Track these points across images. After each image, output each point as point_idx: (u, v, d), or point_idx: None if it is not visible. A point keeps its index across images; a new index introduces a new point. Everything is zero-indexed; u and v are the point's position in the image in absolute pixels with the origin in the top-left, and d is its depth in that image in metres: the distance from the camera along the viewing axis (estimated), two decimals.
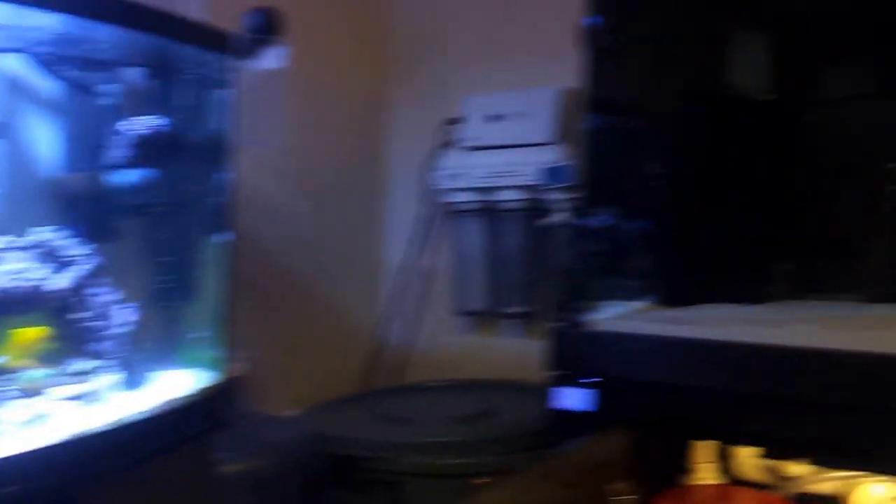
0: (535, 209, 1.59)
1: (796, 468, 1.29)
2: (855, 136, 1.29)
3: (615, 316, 1.21)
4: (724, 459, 1.38)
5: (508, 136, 1.62)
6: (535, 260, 1.62)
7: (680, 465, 1.40)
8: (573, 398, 1.07)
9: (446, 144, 1.75)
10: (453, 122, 1.75)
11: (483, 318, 1.76)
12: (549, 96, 1.58)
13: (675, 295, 1.32)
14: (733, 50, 1.41)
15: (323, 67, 1.74)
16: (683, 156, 1.44)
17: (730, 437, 1.15)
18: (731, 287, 1.30)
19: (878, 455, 0.95)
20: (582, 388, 1.06)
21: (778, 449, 1.16)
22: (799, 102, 1.35)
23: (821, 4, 1.31)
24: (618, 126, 1.46)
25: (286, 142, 1.62)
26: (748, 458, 1.36)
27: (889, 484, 1.20)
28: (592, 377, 1.05)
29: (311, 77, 1.67)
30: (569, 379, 1.08)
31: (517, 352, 1.65)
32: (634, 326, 1.07)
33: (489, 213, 1.66)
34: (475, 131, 1.67)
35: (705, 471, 1.38)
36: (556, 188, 1.53)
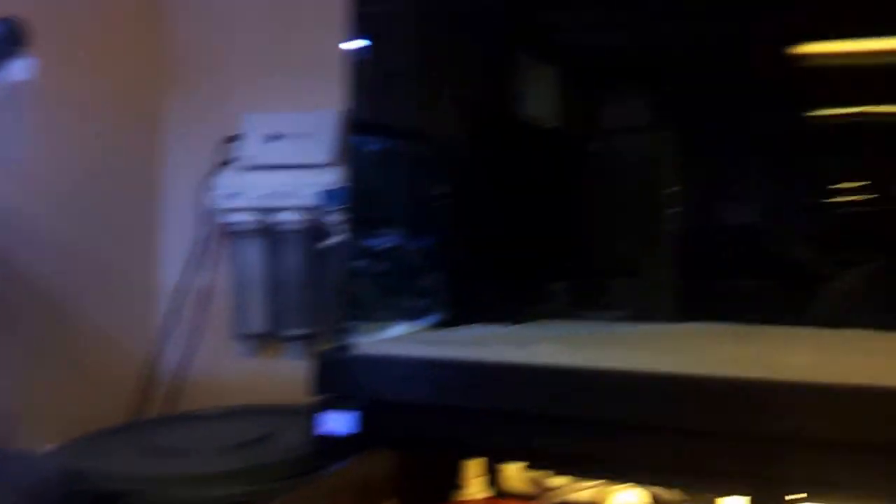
0: (315, 230, 1.59)
1: (558, 479, 1.37)
2: (634, 163, 1.37)
3: (386, 339, 1.23)
4: (492, 473, 1.43)
5: (288, 157, 1.61)
6: (315, 281, 1.61)
7: (451, 481, 1.44)
8: (338, 421, 1.07)
9: (225, 163, 1.71)
10: (232, 139, 1.71)
11: (264, 340, 1.72)
12: (329, 117, 1.58)
13: (456, 315, 1.36)
14: (520, 78, 1.48)
15: (91, 80, 1.65)
16: (466, 179, 1.48)
17: (488, 453, 1.19)
18: (505, 307, 1.35)
19: (622, 465, 1.01)
20: (346, 411, 1.06)
21: (535, 462, 1.22)
22: (582, 131, 1.43)
23: (602, 40, 1.39)
24: (398, 148, 1.48)
25: (49, 158, 1.53)
26: (515, 472, 1.42)
27: (637, 490, 1.29)
28: (355, 400, 1.06)
29: (76, 89, 1.58)
30: (333, 402, 1.07)
31: (299, 375, 1.62)
32: (396, 349, 1.09)
33: (268, 233, 1.63)
34: (254, 150, 1.64)
35: (475, 485, 1.43)
36: (335, 210, 1.53)
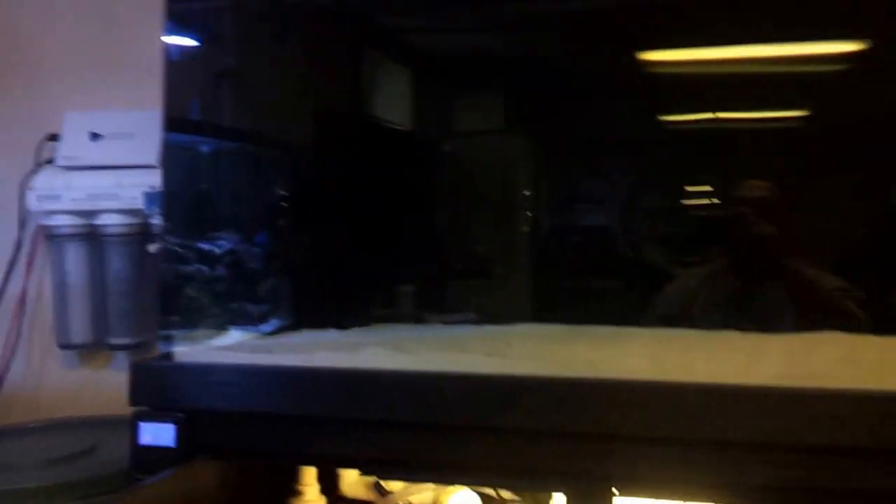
0: (141, 234, 1.52)
1: (395, 483, 1.36)
2: (486, 165, 1.37)
3: (212, 346, 1.19)
4: (331, 479, 1.41)
5: (111, 157, 1.53)
6: (142, 287, 1.54)
7: (287, 488, 1.41)
8: (159, 432, 1.03)
9: (45, 163, 1.61)
10: (53, 138, 1.61)
11: (89, 350, 1.64)
12: (154, 117, 1.51)
13: (296, 321, 1.33)
14: (367, 78, 1.46)
15: None
16: (308, 181, 1.45)
17: (312, 460, 1.17)
18: (346, 312, 1.33)
19: (449, 467, 1.01)
20: (166, 421, 1.02)
21: (361, 468, 1.21)
22: (437, 134, 1.43)
23: (455, 43, 1.39)
24: (235, 150, 1.44)
25: None
26: (354, 477, 1.41)
27: (470, 491, 1.31)
28: (175, 410, 1.02)
29: None
30: (153, 413, 1.03)
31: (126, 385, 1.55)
32: (215, 356, 1.06)
33: (92, 237, 1.55)
34: (75, 150, 1.55)
35: (311, 492, 1.40)
36: (162, 213, 1.46)
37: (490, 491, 1.30)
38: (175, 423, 1.01)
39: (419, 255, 1.41)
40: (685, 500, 1.05)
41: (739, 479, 0.89)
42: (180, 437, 1.02)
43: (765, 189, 1.16)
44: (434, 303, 1.40)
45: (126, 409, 1.50)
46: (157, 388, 1.02)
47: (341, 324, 1.29)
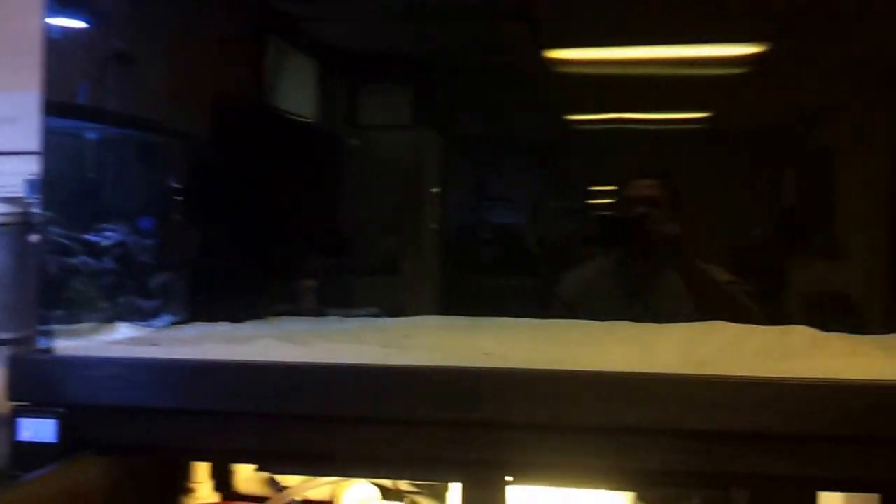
0: (23, 224, 1.44)
1: (291, 478, 1.34)
2: (397, 161, 1.36)
3: (95, 340, 1.14)
4: (225, 475, 1.38)
5: None
6: (23, 280, 1.46)
7: (178, 485, 1.37)
8: (38, 428, 0.98)
9: None
10: None
11: None
12: (35, 100, 1.44)
13: (191, 316, 1.29)
14: (273, 69, 1.42)
15: None
16: (204, 172, 1.41)
17: (205, 454, 1.14)
18: (244, 306, 1.29)
19: (341, 460, 1.00)
20: (46, 417, 0.97)
21: (250, 461, 1.19)
22: (342, 127, 1.39)
23: (361, 34, 1.37)
24: (128, 138, 1.38)
25: None
26: (248, 473, 1.38)
27: (368, 484, 1.30)
28: (57, 405, 0.97)
29: None
30: (33, 408, 0.98)
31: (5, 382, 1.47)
32: (100, 350, 1.01)
33: None
34: None
35: (203, 489, 1.36)
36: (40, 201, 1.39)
37: (388, 482, 1.29)
38: (56, 418, 0.97)
39: (321, 250, 1.39)
40: (579, 486, 1.07)
41: (630, 464, 0.91)
42: (62, 432, 0.97)
43: (661, 188, 1.19)
44: (337, 298, 1.38)
45: (4, 408, 1.44)
46: (37, 383, 0.98)
47: (235, 318, 1.25)
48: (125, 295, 1.32)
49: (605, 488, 1.07)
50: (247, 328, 1.16)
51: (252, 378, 0.94)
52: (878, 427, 0.85)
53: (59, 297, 1.19)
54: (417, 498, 1.27)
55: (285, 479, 1.35)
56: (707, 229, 1.22)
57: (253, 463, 1.21)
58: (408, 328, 1.14)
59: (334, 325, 1.22)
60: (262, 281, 1.36)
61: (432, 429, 0.93)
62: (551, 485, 1.08)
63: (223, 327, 1.16)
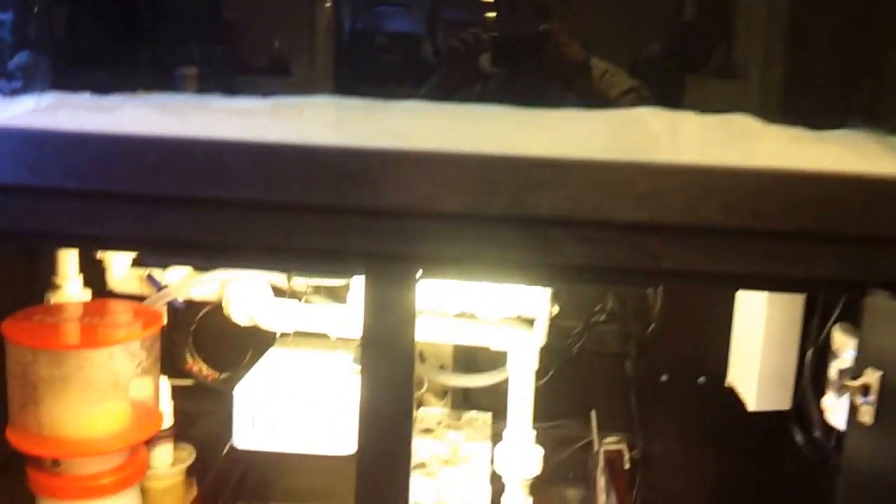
0: None
1: (173, 277, 1.22)
2: None
3: None
4: (95, 272, 1.25)
5: None
6: None
7: (45, 280, 1.23)
8: None
9: None
10: None
11: None
12: None
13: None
14: None
15: None
16: None
17: (71, 240, 1.00)
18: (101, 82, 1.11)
19: (232, 248, 0.87)
20: None
21: (128, 248, 1.05)
22: None
23: None
24: None
25: None
26: (121, 269, 1.25)
27: (256, 279, 1.19)
28: None
29: None
30: None
31: None
32: None
33: None
34: None
35: (72, 286, 1.23)
36: None
37: (279, 281, 1.19)
38: None
39: (203, 36, 1.20)
40: (493, 279, 0.99)
41: (547, 257, 0.82)
42: None
43: None
44: (220, 87, 1.21)
45: None
46: None
47: (99, 90, 1.07)
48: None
49: (522, 282, 1.00)
50: (113, 99, 0.98)
51: (124, 154, 0.78)
52: (829, 222, 0.78)
53: None
54: (313, 297, 1.18)
55: (165, 277, 1.23)
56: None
57: (125, 250, 1.08)
58: (303, 106, 0.99)
59: (218, 101, 1.05)
60: (133, 56, 1.18)
61: (335, 215, 0.81)
62: (464, 279, 0.99)
63: (84, 97, 0.97)
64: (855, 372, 0.80)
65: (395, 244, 0.82)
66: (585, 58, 1.04)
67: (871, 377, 0.78)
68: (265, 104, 1.05)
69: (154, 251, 0.93)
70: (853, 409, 0.80)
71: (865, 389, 0.78)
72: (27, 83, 1.16)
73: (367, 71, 1.17)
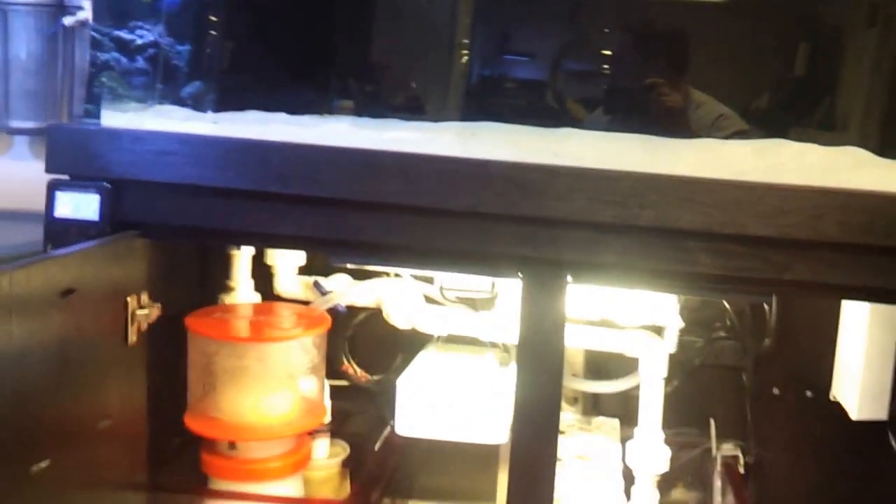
0: (52, 6, 1.37)
1: (334, 283, 1.34)
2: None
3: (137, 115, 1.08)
4: (265, 276, 1.38)
5: None
6: (51, 67, 1.41)
7: (217, 281, 1.37)
8: (78, 203, 0.93)
9: None
10: None
11: None
12: None
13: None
14: None
15: None
16: None
17: (250, 239, 1.12)
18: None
19: (398, 250, 0.98)
20: (88, 191, 0.92)
21: (305, 247, 1.17)
22: None
23: None
24: None
25: None
26: (289, 275, 1.38)
27: (412, 287, 1.30)
28: (99, 179, 0.92)
29: None
30: (72, 182, 0.93)
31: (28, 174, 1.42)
32: (147, 123, 0.96)
33: None
34: None
35: (244, 289, 1.37)
36: None
37: (429, 292, 1.29)
38: (99, 192, 0.92)
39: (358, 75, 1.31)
40: (640, 286, 1.09)
41: (690, 267, 0.92)
42: (104, 209, 0.92)
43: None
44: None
45: (22, 203, 1.39)
46: (79, 154, 0.91)
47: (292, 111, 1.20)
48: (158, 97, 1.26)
49: (662, 290, 1.09)
50: (307, 119, 1.11)
51: (317, 161, 0.91)
52: None
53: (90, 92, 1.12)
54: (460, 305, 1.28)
55: (329, 283, 1.35)
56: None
57: (305, 248, 1.19)
58: (470, 130, 1.10)
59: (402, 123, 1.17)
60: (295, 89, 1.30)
61: (496, 223, 0.92)
62: (609, 285, 1.09)
63: (282, 116, 1.11)
64: None
65: (549, 250, 0.92)
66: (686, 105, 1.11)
67: None
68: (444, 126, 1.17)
69: (337, 250, 1.06)
70: None
71: None
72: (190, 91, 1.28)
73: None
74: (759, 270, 0.92)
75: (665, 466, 1.18)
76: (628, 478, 1.21)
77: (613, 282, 0.97)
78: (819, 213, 0.88)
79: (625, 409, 1.23)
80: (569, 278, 0.94)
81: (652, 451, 1.17)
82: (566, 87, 1.11)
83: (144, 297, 0.95)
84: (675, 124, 1.05)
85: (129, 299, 0.93)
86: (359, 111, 1.07)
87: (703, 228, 0.90)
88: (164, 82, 1.09)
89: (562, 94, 1.10)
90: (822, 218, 0.88)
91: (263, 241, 1.14)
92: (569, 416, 1.39)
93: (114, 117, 0.99)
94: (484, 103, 1.09)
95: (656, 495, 1.19)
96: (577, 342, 1.22)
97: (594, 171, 0.90)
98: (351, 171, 0.91)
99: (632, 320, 1.20)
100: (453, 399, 1.14)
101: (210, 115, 1.04)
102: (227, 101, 1.05)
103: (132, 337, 0.94)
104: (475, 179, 0.91)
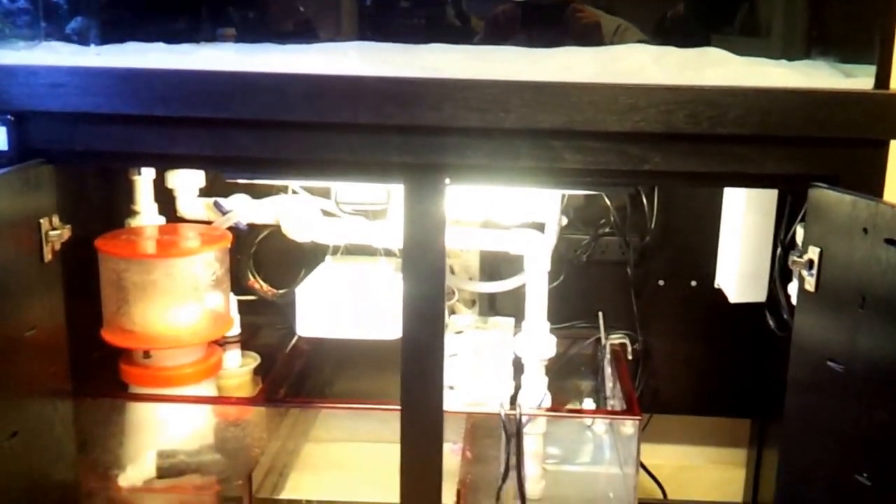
0: None
1: (234, 203, 1.40)
2: None
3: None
4: (167, 199, 1.43)
5: None
6: None
7: (124, 206, 1.43)
8: None
9: None
10: None
11: None
12: None
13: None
14: None
15: None
16: None
17: (155, 160, 1.18)
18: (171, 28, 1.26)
19: (293, 163, 1.04)
20: None
21: (200, 165, 1.24)
22: None
23: None
24: None
25: None
26: (189, 198, 1.43)
27: (309, 205, 1.37)
28: (3, 113, 0.99)
29: None
30: None
31: None
32: (40, 59, 1.02)
33: None
34: None
35: (148, 212, 1.43)
36: None
37: (326, 207, 1.36)
38: (4, 124, 0.98)
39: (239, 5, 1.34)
40: (508, 185, 1.17)
41: (556, 164, 1.00)
42: (11, 139, 0.99)
43: None
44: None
45: None
46: None
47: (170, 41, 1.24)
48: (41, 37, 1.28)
49: (531, 186, 1.18)
50: (186, 47, 1.16)
51: (202, 84, 0.97)
52: (774, 127, 0.96)
53: None
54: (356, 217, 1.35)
55: (230, 202, 1.41)
56: None
57: (198, 166, 1.27)
58: (345, 50, 1.16)
59: (271, 47, 1.22)
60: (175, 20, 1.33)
61: (378, 133, 0.99)
62: (483, 184, 1.18)
63: (160, 44, 1.15)
64: (801, 251, 0.98)
65: (429, 156, 1.00)
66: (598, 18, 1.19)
67: (813, 253, 0.95)
68: (309, 47, 1.23)
69: (228, 167, 1.13)
70: (801, 281, 0.98)
71: (810, 264, 0.96)
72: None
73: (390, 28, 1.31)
74: (619, 163, 1.00)
75: (551, 353, 1.28)
76: (520, 368, 1.32)
77: (488, 181, 1.05)
78: (669, 108, 0.97)
79: (519, 309, 1.32)
80: (447, 181, 1.02)
81: (538, 339, 1.27)
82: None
83: (55, 220, 1.03)
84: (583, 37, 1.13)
85: (42, 221, 1.00)
86: (239, 38, 1.14)
87: (564, 127, 0.98)
88: (46, 20, 1.14)
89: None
90: (673, 113, 0.97)
91: (158, 161, 1.21)
92: (468, 317, 1.49)
93: (6, 55, 1.05)
94: (356, 25, 1.16)
95: (544, 380, 1.30)
96: (464, 243, 1.32)
97: (461, 82, 0.97)
98: (227, 91, 0.97)
99: (514, 219, 1.29)
100: (349, 300, 1.23)
101: (93, 48, 1.10)
102: (108, 34, 1.11)
103: (47, 256, 1.01)
104: (348, 94, 0.97)
